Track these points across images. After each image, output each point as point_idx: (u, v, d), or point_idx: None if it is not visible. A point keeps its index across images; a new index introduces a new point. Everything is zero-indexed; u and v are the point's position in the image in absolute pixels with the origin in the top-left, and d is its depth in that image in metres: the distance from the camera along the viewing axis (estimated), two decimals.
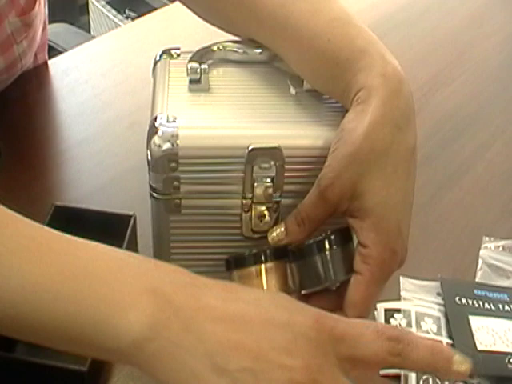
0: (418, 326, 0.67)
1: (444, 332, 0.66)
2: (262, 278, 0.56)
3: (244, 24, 0.63)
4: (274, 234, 0.57)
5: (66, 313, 0.46)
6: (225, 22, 0.66)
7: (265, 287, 0.56)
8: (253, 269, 0.56)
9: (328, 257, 0.55)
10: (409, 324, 0.67)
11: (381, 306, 0.68)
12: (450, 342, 0.65)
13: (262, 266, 0.56)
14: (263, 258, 0.56)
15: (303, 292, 0.57)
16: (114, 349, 0.46)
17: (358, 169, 0.53)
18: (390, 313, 0.68)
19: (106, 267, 0.48)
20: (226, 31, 0.66)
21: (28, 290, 0.46)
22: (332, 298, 0.57)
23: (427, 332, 0.66)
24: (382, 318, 0.67)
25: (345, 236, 0.56)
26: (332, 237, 0.55)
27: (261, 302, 0.48)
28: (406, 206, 0.55)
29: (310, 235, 0.56)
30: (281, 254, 0.57)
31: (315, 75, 0.59)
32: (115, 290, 0.46)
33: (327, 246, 0.55)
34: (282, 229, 0.57)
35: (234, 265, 0.57)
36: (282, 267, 0.57)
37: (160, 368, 0.46)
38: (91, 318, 0.46)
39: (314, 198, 0.55)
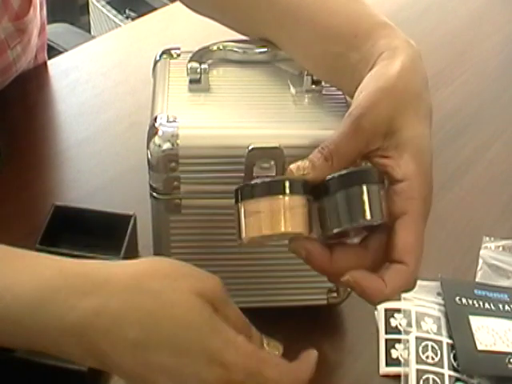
0: (418, 325, 0.67)
1: (444, 332, 0.66)
2: (280, 214, 0.47)
3: (252, 9, 0.62)
4: (298, 163, 0.50)
5: None
6: (231, 9, 0.65)
7: (282, 226, 0.48)
8: (267, 201, 0.47)
9: (365, 192, 0.48)
10: (409, 324, 0.67)
11: (381, 306, 0.68)
12: (450, 341, 0.65)
13: (281, 199, 0.47)
14: (282, 188, 0.47)
15: (335, 231, 0.49)
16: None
17: (394, 103, 0.51)
18: (390, 313, 0.68)
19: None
20: (229, 21, 0.65)
21: None
22: (361, 252, 0.52)
23: (427, 332, 0.66)
24: (382, 318, 0.67)
25: (380, 176, 0.50)
26: (369, 171, 0.50)
27: (163, 344, 0.49)
28: (432, 151, 0.53)
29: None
30: (304, 187, 0.48)
31: (326, 54, 0.58)
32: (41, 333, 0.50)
33: (369, 178, 0.49)
34: (307, 161, 0.50)
35: (242, 195, 0.48)
36: (304, 204, 0.48)
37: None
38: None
39: (346, 129, 0.50)
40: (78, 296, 0.50)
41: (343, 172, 0.49)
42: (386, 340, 0.66)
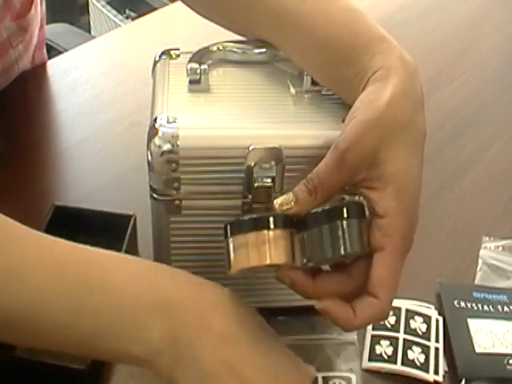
0: (407, 323, 0.66)
1: (433, 332, 0.65)
2: (265, 247, 0.51)
3: (250, 10, 0.62)
4: (282, 198, 0.53)
5: (88, 326, 0.51)
6: (229, 10, 0.65)
7: (267, 258, 0.51)
8: (253, 235, 0.51)
9: (345, 226, 0.51)
10: (397, 321, 0.66)
11: None
12: (437, 345, 0.65)
13: (265, 233, 0.51)
14: (267, 223, 0.51)
15: (316, 261, 0.53)
16: (133, 357, 0.51)
17: (380, 135, 0.52)
18: None
19: (121, 284, 0.52)
20: (227, 23, 0.65)
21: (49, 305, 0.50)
22: (343, 279, 0.54)
23: (414, 330, 0.65)
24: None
25: (360, 210, 0.53)
26: (350, 206, 0.52)
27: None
28: (420, 182, 0.53)
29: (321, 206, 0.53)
30: (287, 221, 0.52)
31: (325, 62, 0.58)
32: (130, 307, 0.51)
33: (345, 214, 0.51)
34: (291, 195, 0.53)
35: (231, 230, 0.52)
36: (287, 236, 0.52)
37: (174, 375, 0.51)
38: (110, 332, 0.50)
39: (330, 163, 0.52)
40: (176, 282, 0.53)
41: (325, 207, 0.52)
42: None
